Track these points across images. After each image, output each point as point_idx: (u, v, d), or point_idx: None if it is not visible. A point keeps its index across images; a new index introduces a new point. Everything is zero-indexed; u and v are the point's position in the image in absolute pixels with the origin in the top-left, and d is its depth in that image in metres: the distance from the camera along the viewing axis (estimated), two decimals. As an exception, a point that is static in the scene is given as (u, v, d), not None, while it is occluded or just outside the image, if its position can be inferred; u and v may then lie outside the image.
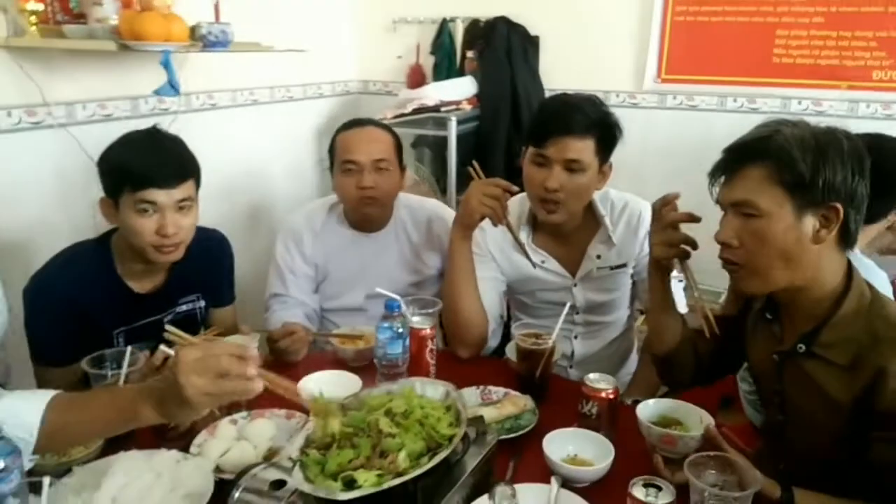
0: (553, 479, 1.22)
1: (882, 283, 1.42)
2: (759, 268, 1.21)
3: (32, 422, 1.08)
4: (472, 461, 1.19)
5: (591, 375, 1.37)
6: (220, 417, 1.39)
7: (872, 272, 1.51)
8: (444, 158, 3.12)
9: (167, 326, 1.23)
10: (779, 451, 1.35)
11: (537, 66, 3.26)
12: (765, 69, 2.90)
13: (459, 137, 3.06)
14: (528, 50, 3.22)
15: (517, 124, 3.19)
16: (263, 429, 1.35)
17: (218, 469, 1.23)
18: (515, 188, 1.66)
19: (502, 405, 1.41)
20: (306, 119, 3.46)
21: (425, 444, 1.14)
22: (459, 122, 3.06)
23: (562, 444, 1.29)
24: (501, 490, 1.19)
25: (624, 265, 1.78)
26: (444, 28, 3.40)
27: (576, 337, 1.85)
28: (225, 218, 2.42)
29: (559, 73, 3.24)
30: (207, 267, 1.76)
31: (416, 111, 3.09)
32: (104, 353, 1.42)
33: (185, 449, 1.29)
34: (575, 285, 1.79)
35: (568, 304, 1.58)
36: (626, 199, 1.79)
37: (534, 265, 1.71)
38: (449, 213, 2.02)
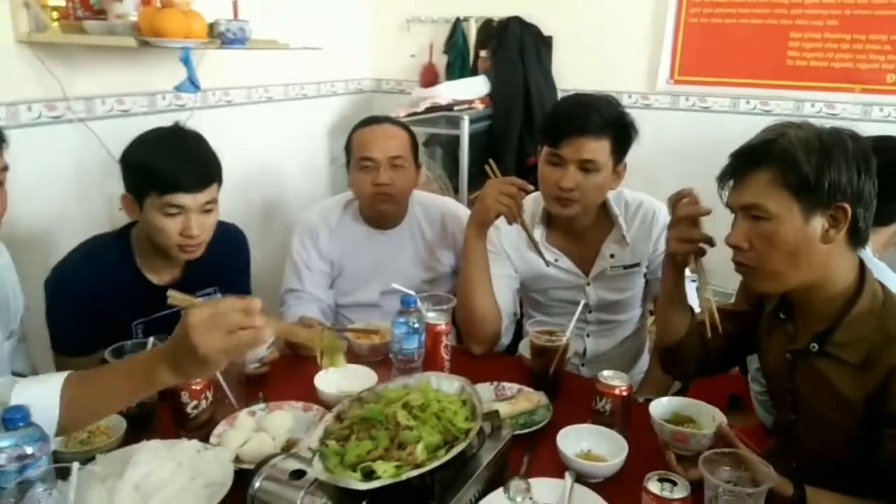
0: (567, 474, 1.23)
1: (895, 285, 1.43)
2: (770, 269, 1.22)
3: (52, 399, 1.09)
4: (487, 455, 1.20)
5: (605, 372, 1.39)
6: (238, 409, 1.42)
7: (885, 273, 1.52)
8: (457, 157, 3.14)
9: (170, 291, 1.22)
10: (790, 450, 1.36)
11: (550, 67, 3.27)
12: (778, 71, 2.91)
13: (472, 136, 3.08)
14: (541, 50, 3.24)
15: (529, 124, 3.20)
16: (281, 421, 1.37)
17: (237, 459, 1.25)
18: (531, 187, 1.67)
19: (516, 401, 1.42)
20: (320, 117, 3.49)
21: (442, 438, 1.15)
22: (472, 122, 3.07)
23: (576, 440, 1.31)
24: (516, 484, 1.21)
25: (637, 265, 1.80)
26: (457, 27, 3.42)
27: (588, 335, 1.87)
28: (239, 214, 2.44)
29: (572, 74, 3.26)
30: (225, 261, 1.79)
31: (429, 110, 3.11)
32: (125, 344, 1.45)
33: (204, 439, 1.31)
34: (588, 284, 1.80)
35: (582, 302, 1.60)
36: (640, 198, 1.80)
37: (547, 263, 1.72)
38: (463, 211, 2.04)
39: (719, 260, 1.43)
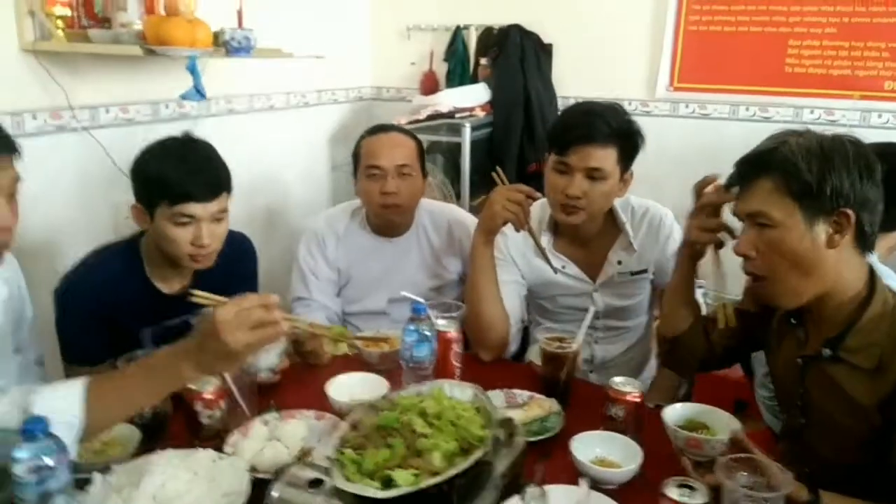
0: (582, 481, 1.23)
1: None
2: (780, 277, 1.24)
3: (75, 403, 1.10)
4: (502, 462, 1.20)
5: (617, 379, 1.39)
6: (251, 418, 1.41)
7: (890, 279, 1.53)
8: (458, 164, 3.15)
9: (193, 291, 1.26)
10: (800, 456, 1.37)
11: (550, 74, 3.30)
12: (777, 78, 2.94)
13: (473, 144, 3.09)
14: (541, 58, 3.26)
15: (530, 131, 3.22)
16: (295, 429, 1.37)
17: (252, 468, 1.25)
18: (538, 194, 1.68)
19: (529, 408, 1.43)
20: (320, 124, 3.50)
21: (458, 445, 1.16)
22: (473, 129, 3.09)
23: (589, 447, 1.31)
24: (532, 491, 1.20)
25: (644, 271, 1.81)
26: (457, 35, 3.43)
27: (596, 342, 1.87)
28: (241, 222, 2.44)
29: (572, 81, 3.28)
30: (233, 270, 1.78)
31: (431, 117, 3.12)
32: (137, 353, 1.45)
33: (218, 448, 1.31)
34: (595, 290, 1.81)
35: (593, 309, 1.60)
36: (646, 205, 1.81)
37: (555, 270, 1.73)
38: (469, 218, 2.05)
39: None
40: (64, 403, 1.10)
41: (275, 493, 1.11)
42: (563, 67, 3.29)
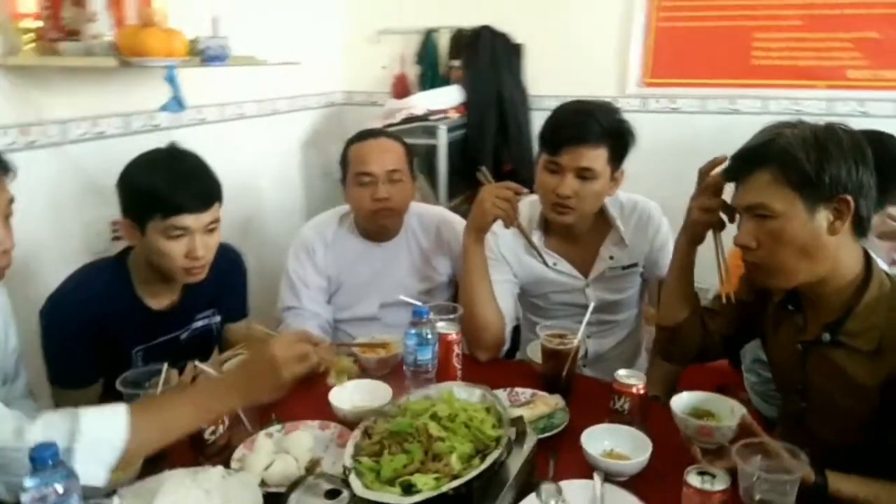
0: (595, 475, 1.24)
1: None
2: (779, 266, 1.26)
3: (120, 425, 1.11)
4: (516, 461, 1.21)
5: (621, 372, 1.41)
6: (254, 432, 1.39)
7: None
8: (434, 166, 3.15)
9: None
10: (800, 439, 1.40)
11: (522, 74, 3.31)
12: (744, 71, 3.00)
13: (448, 145, 3.09)
14: (512, 58, 3.27)
15: (504, 131, 3.24)
16: (302, 440, 1.35)
17: (263, 483, 1.23)
18: (525, 190, 1.69)
19: (535, 405, 1.43)
20: (292, 131, 3.47)
21: (473, 447, 1.16)
22: (448, 131, 3.08)
23: (598, 440, 1.32)
24: (547, 488, 1.21)
25: (635, 265, 1.83)
26: (428, 38, 3.43)
27: (589, 336, 1.88)
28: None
29: (544, 80, 3.30)
30: (223, 281, 1.76)
31: (406, 120, 3.11)
32: (137, 372, 1.41)
33: (225, 464, 1.28)
34: (587, 286, 1.82)
35: (592, 304, 1.61)
36: (634, 199, 1.84)
37: (548, 265, 1.74)
38: (456, 219, 2.05)
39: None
40: (110, 424, 1.11)
41: (293, 506, 1.09)
42: (534, 67, 3.31)
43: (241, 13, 2.82)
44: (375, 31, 3.58)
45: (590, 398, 1.53)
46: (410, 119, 3.12)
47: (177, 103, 1.93)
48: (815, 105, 2.93)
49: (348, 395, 1.49)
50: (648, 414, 1.39)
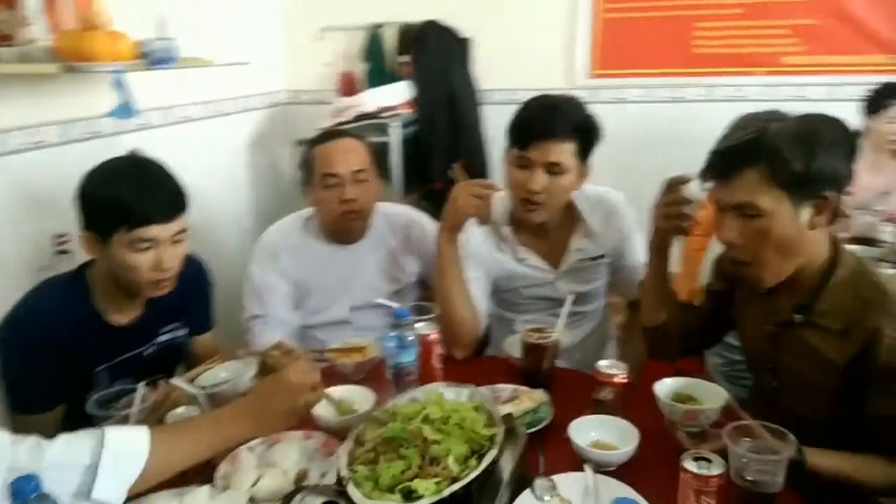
0: (586, 466, 1.26)
1: None
2: (765, 261, 1.28)
3: (143, 444, 1.11)
4: (510, 458, 1.21)
5: (602, 362, 1.43)
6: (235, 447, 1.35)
7: None
8: (386, 163, 3.12)
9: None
10: (772, 417, 1.44)
11: (471, 68, 3.31)
12: (688, 60, 3.08)
13: (401, 142, 3.07)
14: (460, 52, 3.27)
15: (456, 126, 3.23)
16: (287, 452, 1.31)
17: (251, 500, 1.20)
18: (499, 186, 1.69)
19: (520, 401, 1.43)
20: (238, 133, 3.38)
21: (468, 447, 1.15)
22: (401, 127, 3.06)
23: (585, 432, 1.33)
24: (541, 483, 1.22)
25: (602, 256, 1.85)
26: (374, 34, 3.39)
27: (560, 328, 1.90)
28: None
29: (493, 74, 3.31)
30: (187, 293, 1.70)
31: (356, 118, 3.07)
32: (108, 393, 1.35)
33: (208, 482, 1.24)
34: (558, 279, 1.84)
35: (571, 297, 1.63)
36: (600, 192, 1.86)
37: (519, 260, 1.75)
38: (424, 218, 2.04)
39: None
40: (134, 439, 1.11)
41: (291, 522, 1.07)
42: (483, 61, 3.32)
43: (181, 12, 2.72)
44: (318, 28, 3.52)
45: (569, 390, 1.55)
46: (361, 117, 3.08)
47: (126, 109, 1.85)
48: (756, 91, 3.02)
49: (328, 402, 1.46)
50: (629, 403, 1.42)
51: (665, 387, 1.36)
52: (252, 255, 1.95)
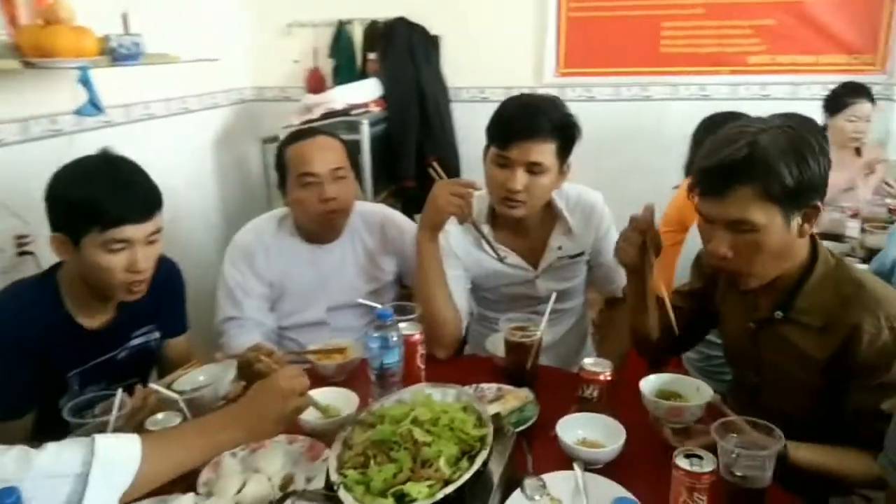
0: (575, 465, 1.26)
1: None
2: (755, 272, 1.29)
3: (135, 451, 1.09)
4: (500, 458, 1.20)
5: (587, 360, 1.43)
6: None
7: None
8: (357, 161, 3.09)
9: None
10: (753, 412, 1.47)
11: (440, 66, 3.31)
12: (654, 59, 3.13)
13: (371, 139, 3.05)
14: (429, 50, 3.27)
15: (426, 123, 3.22)
16: (272, 458, 1.29)
17: (239, 506, 1.17)
18: (479, 185, 1.69)
19: (505, 400, 1.43)
20: (203, 131, 3.32)
21: (459, 448, 1.14)
22: (370, 125, 3.04)
23: (572, 430, 1.34)
24: (531, 482, 1.22)
25: (581, 253, 1.86)
26: (341, 30, 3.36)
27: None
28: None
29: (462, 72, 3.31)
30: (160, 295, 1.65)
31: (325, 116, 3.04)
32: (83, 400, 1.30)
33: (191, 489, 1.21)
34: (538, 277, 1.84)
35: (555, 294, 1.63)
36: (578, 190, 1.86)
37: (501, 259, 1.75)
38: (399, 216, 2.02)
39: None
40: (125, 447, 1.08)
41: (282, 529, 1.05)
42: (452, 58, 3.32)
43: (144, 7, 2.65)
44: (284, 24, 3.48)
45: (552, 387, 1.55)
46: (330, 114, 3.05)
47: (93, 106, 1.79)
48: (720, 90, 3.09)
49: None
50: (614, 400, 1.42)
51: (650, 384, 1.37)
52: (225, 256, 1.90)
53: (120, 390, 1.29)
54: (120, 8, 2.27)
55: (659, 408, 1.31)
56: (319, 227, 1.85)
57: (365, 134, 3.00)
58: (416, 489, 1.04)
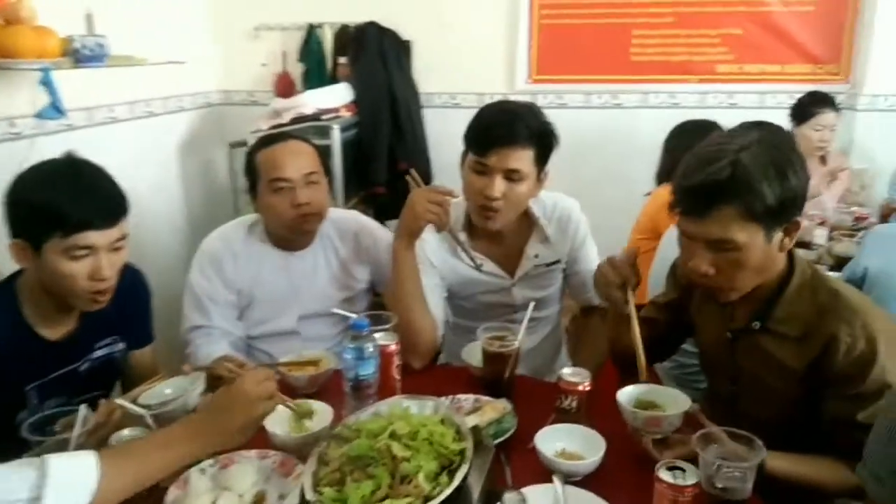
0: (555, 477, 1.24)
1: None
2: (736, 287, 1.29)
3: (91, 470, 1.02)
4: (479, 472, 1.18)
5: (566, 371, 1.41)
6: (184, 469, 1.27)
7: None
8: (328, 168, 3.05)
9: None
10: (729, 421, 1.47)
11: (411, 71, 3.28)
12: (624, 67, 3.15)
13: (342, 144, 3.01)
14: (401, 55, 3.24)
15: (398, 129, 3.20)
16: (242, 474, 1.24)
17: (209, 526, 1.13)
18: (456, 192, 1.67)
19: (483, 411, 1.40)
20: (169, 135, 3.24)
21: (438, 463, 1.12)
22: (341, 130, 3.00)
23: (551, 441, 1.32)
24: (511, 497, 1.19)
25: (558, 261, 1.85)
26: (311, 34, 3.32)
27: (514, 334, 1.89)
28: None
29: (433, 77, 3.30)
30: (124, 305, 1.59)
31: (295, 120, 2.99)
32: (44, 416, 1.25)
33: (158, 509, 1.16)
34: (514, 285, 1.83)
35: (533, 304, 1.61)
36: (554, 198, 1.85)
37: (478, 267, 1.73)
38: (373, 224, 1.99)
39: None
40: (80, 466, 1.02)
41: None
42: (423, 64, 3.30)
43: (108, 8, 2.58)
44: (252, 27, 3.42)
45: (527, 398, 1.53)
46: (300, 119, 3.01)
47: (55, 109, 1.72)
48: (689, 98, 3.12)
49: (285, 419, 1.39)
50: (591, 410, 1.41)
51: (626, 394, 1.36)
52: (192, 263, 1.85)
53: (83, 406, 1.23)
54: (84, 8, 2.20)
55: (637, 418, 1.30)
56: (291, 233, 1.81)
57: (336, 139, 2.96)
58: (396, 507, 1.02)
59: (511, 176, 1.64)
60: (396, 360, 1.50)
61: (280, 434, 1.35)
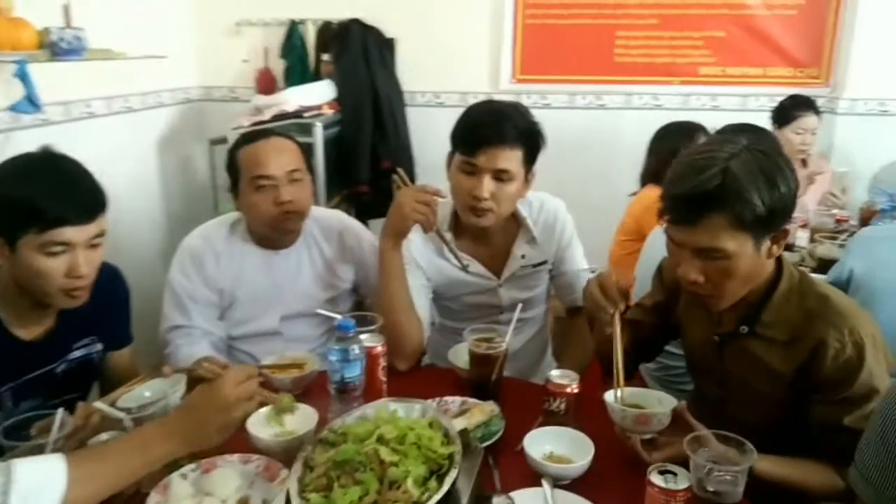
0: (543, 481, 1.23)
1: None
2: (726, 295, 1.29)
3: (59, 475, 0.99)
4: (468, 476, 1.16)
5: (554, 373, 1.40)
6: (165, 474, 1.23)
7: None
8: (311, 165, 3.01)
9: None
10: (716, 424, 1.46)
11: (395, 69, 3.26)
12: (609, 68, 3.15)
13: (325, 142, 2.98)
14: (384, 52, 3.22)
15: (381, 127, 3.17)
16: (225, 479, 1.22)
17: (191, 533, 1.10)
18: (444, 192, 1.65)
19: (471, 414, 1.38)
20: (147, 130, 3.19)
21: (427, 468, 1.10)
22: (324, 128, 2.97)
23: (539, 444, 1.31)
24: (499, 501, 1.17)
25: (545, 262, 1.84)
26: (293, 30, 3.28)
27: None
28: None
29: (417, 76, 3.27)
30: (102, 304, 1.54)
31: (277, 118, 2.96)
32: (17, 419, 1.21)
33: (135, 515, 1.13)
34: (500, 286, 1.81)
35: (519, 306, 1.60)
36: (541, 198, 1.84)
37: (464, 268, 1.71)
38: (358, 225, 1.96)
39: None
40: (47, 471, 0.98)
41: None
42: (407, 62, 3.28)
43: (86, 1, 2.52)
44: (233, 22, 3.37)
45: (514, 400, 1.52)
46: (281, 116, 2.97)
47: (30, 103, 1.67)
48: (672, 100, 3.13)
49: (268, 421, 1.37)
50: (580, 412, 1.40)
51: (613, 395, 1.35)
52: (173, 262, 1.81)
53: (61, 409, 1.20)
54: (61, 1, 2.15)
55: (626, 417, 1.29)
56: (274, 231, 1.77)
57: (318, 137, 2.93)
58: (385, 513, 1.00)
59: (500, 176, 1.63)
60: (382, 362, 1.47)
61: (264, 437, 1.32)
